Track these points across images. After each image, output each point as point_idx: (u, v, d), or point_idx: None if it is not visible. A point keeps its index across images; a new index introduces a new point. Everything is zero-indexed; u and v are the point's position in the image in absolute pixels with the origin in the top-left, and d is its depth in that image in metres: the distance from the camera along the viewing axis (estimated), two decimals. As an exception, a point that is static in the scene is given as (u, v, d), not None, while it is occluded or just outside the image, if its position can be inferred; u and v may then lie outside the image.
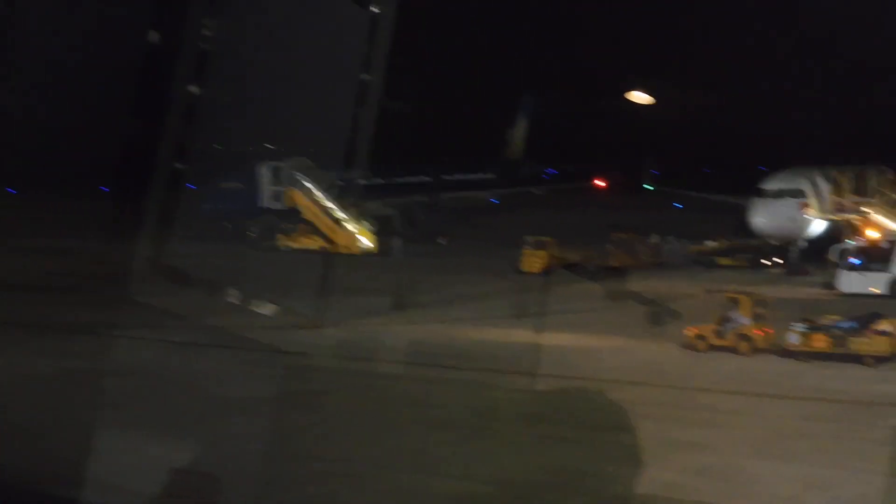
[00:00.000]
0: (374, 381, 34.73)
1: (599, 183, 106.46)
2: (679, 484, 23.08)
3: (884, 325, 36.89)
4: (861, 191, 60.51)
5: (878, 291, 52.52)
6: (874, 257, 53.63)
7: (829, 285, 54.68)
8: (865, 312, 39.08)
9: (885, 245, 53.91)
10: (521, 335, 40.99)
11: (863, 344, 36.25)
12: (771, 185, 62.42)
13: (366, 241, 74.48)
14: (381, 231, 76.06)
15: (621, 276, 59.81)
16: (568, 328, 42.76)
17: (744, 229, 63.77)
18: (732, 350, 38.36)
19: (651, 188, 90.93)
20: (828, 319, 38.03)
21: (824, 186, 61.68)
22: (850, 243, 56.26)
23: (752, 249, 67.68)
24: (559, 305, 47.79)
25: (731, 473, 23.80)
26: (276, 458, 22.61)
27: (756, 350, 38.08)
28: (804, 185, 61.80)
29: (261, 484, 20.03)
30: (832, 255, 56.81)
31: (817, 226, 62.23)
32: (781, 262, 64.69)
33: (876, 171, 61.49)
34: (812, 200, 61.50)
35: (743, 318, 38.87)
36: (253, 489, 19.22)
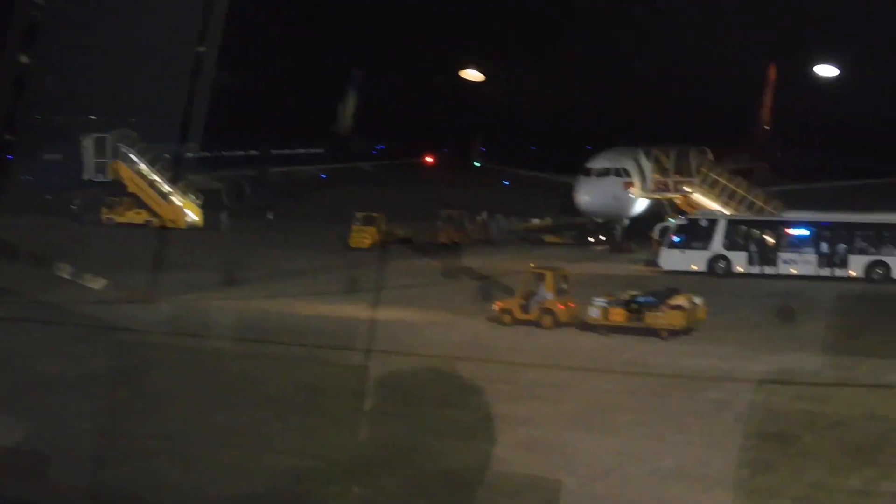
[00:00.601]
0: (203, 356, 34.13)
1: (428, 159, 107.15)
2: (505, 458, 23.35)
3: (679, 300, 38.15)
4: (682, 170, 62.12)
5: (697, 269, 54.16)
6: (695, 236, 55.19)
7: (653, 262, 56.13)
8: (664, 288, 40.49)
9: (704, 223, 55.46)
10: (348, 310, 41.13)
11: (658, 318, 37.48)
12: (596, 163, 63.56)
13: (192, 215, 73.23)
14: (208, 205, 74.77)
15: (449, 252, 60.34)
16: (394, 303, 43.00)
17: (570, 207, 64.82)
18: (537, 324, 39.21)
19: (479, 165, 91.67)
20: (627, 295, 39.03)
21: (647, 166, 63.13)
22: (672, 221, 57.79)
23: (577, 227, 68.95)
24: (386, 281, 47.97)
25: (555, 446, 24.20)
26: (101, 436, 22.06)
27: (558, 324, 39.00)
28: (628, 165, 63.12)
29: (84, 461, 19.48)
30: (655, 233, 58.30)
31: (641, 204, 63.71)
32: (606, 239, 66.06)
33: (697, 152, 63.25)
34: (636, 179, 62.85)
35: (547, 293, 39.68)
36: (76, 467, 18.68)
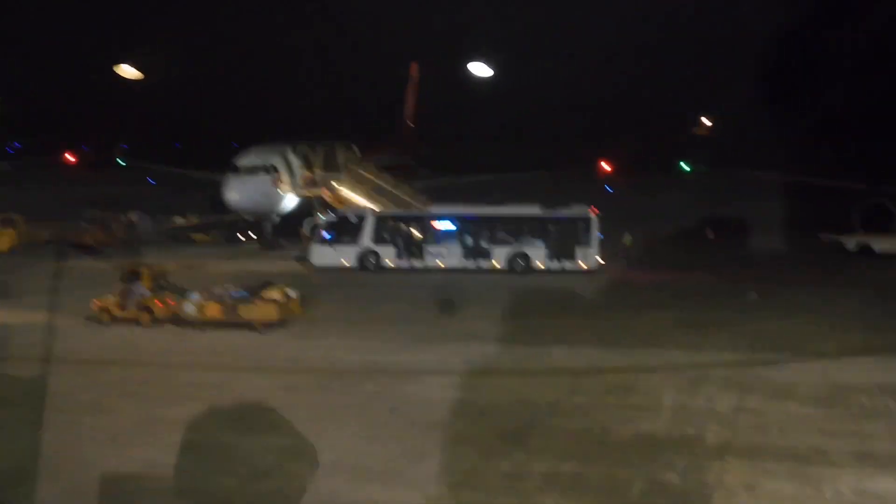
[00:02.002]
0: None
1: (70, 158, 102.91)
2: (161, 462, 22.75)
3: (272, 293, 38.93)
4: (330, 166, 62.42)
5: (348, 264, 54.71)
6: (344, 231, 55.68)
7: (304, 259, 56.19)
8: (260, 282, 40.99)
9: (353, 219, 56.05)
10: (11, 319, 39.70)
11: (252, 311, 38.18)
12: (244, 160, 62.86)
13: None
14: None
15: (96, 253, 58.19)
16: (37, 308, 41.58)
17: (219, 204, 63.86)
18: (134, 321, 39.02)
19: (124, 164, 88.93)
20: (222, 289, 39.48)
21: (296, 162, 63.02)
22: (322, 217, 58.04)
23: (227, 225, 68.08)
24: (26, 285, 46.09)
25: (214, 448, 23.74)
26: None
27: (157, 321, 38.96)
28: (276, 161, 62.75)
29: None
30: (305, 229, 58.35)
31: (290, 201, 63.58)
32: (256, 237, 65.58)
33: (344, 148, 63.83)
34: (284, 175, 62.60)
35: (144, 290, 39.65)
36: None
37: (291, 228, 61.78)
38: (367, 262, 54.90)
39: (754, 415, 26.45)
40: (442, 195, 64.40)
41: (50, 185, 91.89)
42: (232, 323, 38.07)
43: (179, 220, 69.14)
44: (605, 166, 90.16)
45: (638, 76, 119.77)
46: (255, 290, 39.23)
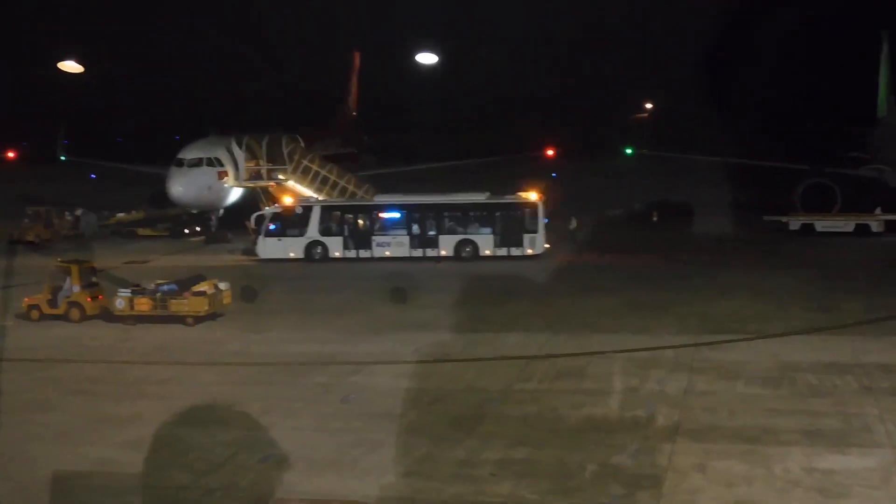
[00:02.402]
0: None
1: (9, 154, 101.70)
2: (112, 458, 22.61)
3: (202, 287, 38.85)
4: (275, 158, 62.02)
5: (295, 256, 54.47)
6: (291, 223, 55.40)
7: (250, 252, 55.87)
8: (191, 276, 40.90)
9: (299, 210, 55.78)
10: None
11: (182, 305, 38.14)
12: (188, 153, 62.31)
13: None
14: None
15: (37, 250, 57.53)
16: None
17: (163, 198, 63.29)
18: (65, 318, 38.83)
19: (64, 159, 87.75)
20: (153, 284, 39.39)
21: (240, 154, 62.59)
22: (268, 210, 57.70)
23: (171, 219, 67.53)
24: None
25: (165, 443, 23.59)
26: None
27: (86, 317, 38.85)
28: (220, 154, 62.29)
29: None
30: (251, 222, 58.01)
31: (235, 193, 63.16)
32: (201, 230, 65.09)
33: (289, 139, 63.42)
34: (229, 168, 62.16)
35: (74, 287, 39.36)
36: None
37: (237, 221, 61.35)
38: (315, 254, 54.66)
39: (703, 396, 26.72)
40: (388, 184, 64.37)
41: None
42: (162, 317, 37.93)
43: (121, 216, 68.43)
44: (550, 152, 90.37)
45: (581, 62, 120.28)
46: (185, 283, 39.05)
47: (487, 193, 55.32)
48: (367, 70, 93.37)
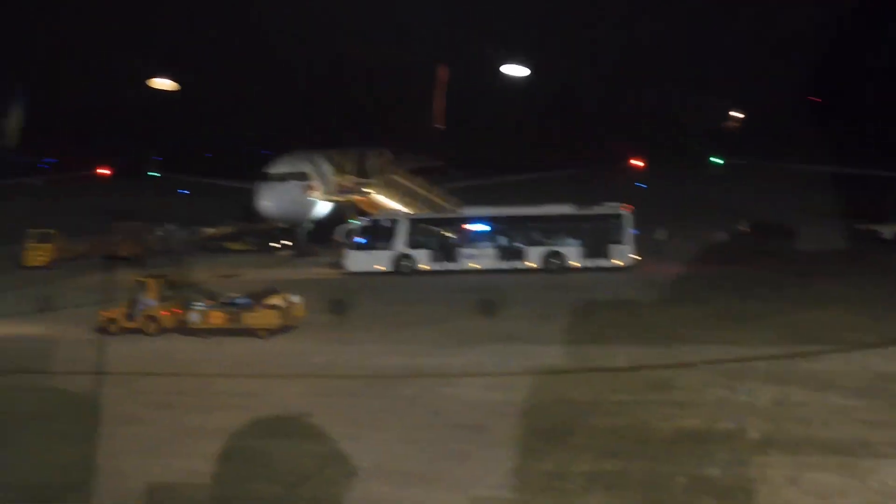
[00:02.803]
0: None
1: (103, 171, 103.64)
2: (200, 471, 22.83)
3: (274, 300, 39.17)
4: (362, 172, 62.58)
5: (383, 269, 54.76)
6: (378, 236, 55.79)
7: (339, 265, 56.29)
8: (263, 288, 41.36)
9: (387, 223, 56.15)
10: (27, 331, 40.47)
11: (254, 318, 38.44)
12: (276, 168, 63.17)
13: None
14: None
15: (130, 265, 58.56)
16: (69, 322, 42.15)
17: (253, 213, 64.18)
18: (141, 331, 39.32)
19: (156, 175, 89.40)
20: (226, 297, 39.92)
21: (327, 168, 63.25)
22: (355, 223, 58.17)
23: (260, 233, 68.35)
24: (63, 299, 46.55)
25: (252, 455, 23.78)
26: None
27: (163, 330, 39.28)
28: (308, 168, 63.03)
29: None
30: (338, 235, 58.52)
31: (323, 207, 63.78)
32: (290, 244, 65.80)
33: (376, 153, 63.96)
34: (316, 182, 62.82)
35: (150, 301, 39.97)
36: None
37: (325, 235, 61.88)
38: (402, 267, 54.93)
39: (796, 407, 26.26)
40: (474, 196, 64.49)
41: (85, 199, 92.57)
42: (235, 330, 38.31)
43: (211, 230, 69.37)
44: (637, 162, 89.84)
45: (668, 71, 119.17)
46: (257, 297, 39.51)
47: (574, 205, 55.16)
48: (453, 82, 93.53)
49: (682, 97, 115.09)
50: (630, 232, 53.18)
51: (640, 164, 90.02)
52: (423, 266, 54.92)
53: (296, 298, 39.82)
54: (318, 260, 60.50)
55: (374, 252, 55.39)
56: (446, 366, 32.71)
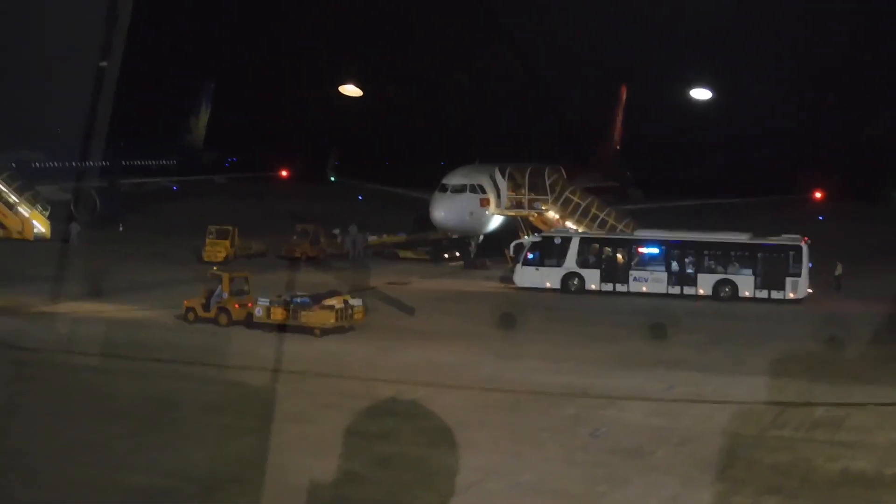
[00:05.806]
0: (61, 371, 33.58)
1: (283, 172, 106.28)
2: (363, 474, 23.26)
3: (332, 301, 40.68)
4: (537, 188, 62.69)
5: (551, 286, 54.74)
6: (549, 253, 55.73)
7: (507, 279, 56.50)
8: (328, 290, 42.60)
9: (558, 241, 56.08)
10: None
11: (310, 316, 40.14)
12: (452, 179, 63.68)
13: (39, 227, 70.89)
14: (58, 216, 72.52)
15: (304, 266, 59.93)
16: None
17: (425, 222, 64.87)
18: (214, 321, 41.45)
19: (334, 179, 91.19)
20: (289, 295, 41.49)
21: (503, 183, 63.53)
22: (527, 238, 58.30)
23: (432, 243, 68.99)
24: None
25: (412, 463, 24.14)
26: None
27: (232, 322, 41.37)
28: (484, 181, 63.37)
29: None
30: (509, 249, 58.69)
31: (496, 221, 64.12)
32: (460, 255, 66.29)
33: (551, 170, 63.94)
34: (491, 196, 63.18)
35: (223, 294, 42.08)
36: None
37: (496, 248, 62.20)
38: (570, 285, 54.78)
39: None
40: (649, 219, 63.90)
41: (264, 199, 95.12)
42: (293, 326, 39.99)
43: (388, 238, 70.31)
44: (818, 194, 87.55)
45: (855, 101, 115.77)
46: (317, 297, 41.07)
47: (750, 234, 54.19)
48: (633, 103, 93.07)
49: (868, 126, 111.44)
50: (807, 265, 51.95)
51: (821, 195, 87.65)
52: (592, 286, 54.62)
53: (356, 301, 41.54)
54: (487, 273, 60.78)
55: (543, 269, 55.30)
56: (609, 388, 32.59)
